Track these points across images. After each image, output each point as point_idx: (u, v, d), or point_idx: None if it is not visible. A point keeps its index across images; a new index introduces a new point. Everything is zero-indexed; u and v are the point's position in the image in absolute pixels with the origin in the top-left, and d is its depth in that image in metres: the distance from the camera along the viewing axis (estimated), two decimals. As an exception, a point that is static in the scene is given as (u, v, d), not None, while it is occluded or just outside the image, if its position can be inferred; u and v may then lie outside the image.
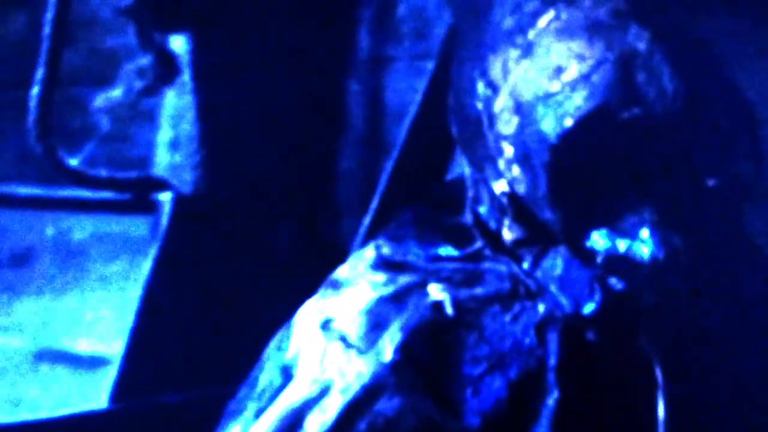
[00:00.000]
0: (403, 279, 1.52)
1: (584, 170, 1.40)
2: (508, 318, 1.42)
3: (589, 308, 1.36)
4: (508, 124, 1.42)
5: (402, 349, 1.40)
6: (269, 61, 2.53)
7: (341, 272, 1.55)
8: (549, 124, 1.40)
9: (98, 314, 2.59)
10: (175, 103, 2.58)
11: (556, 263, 1.41)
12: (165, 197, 2.47)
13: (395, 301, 1.50)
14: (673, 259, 1.32)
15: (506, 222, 1.48)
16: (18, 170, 2.95)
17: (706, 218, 1.38)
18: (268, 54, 2.53)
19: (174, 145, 2.54)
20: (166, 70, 2.62)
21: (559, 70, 1.41)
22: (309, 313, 1.49)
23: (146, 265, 2.39)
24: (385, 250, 1.59)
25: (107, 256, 2.65)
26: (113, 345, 2.40)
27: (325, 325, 1.48)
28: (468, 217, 1.55)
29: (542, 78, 1.43)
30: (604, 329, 1.36)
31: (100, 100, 2.79)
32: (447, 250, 1.56)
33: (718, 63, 1.42)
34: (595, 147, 1.39)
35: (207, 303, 2.35)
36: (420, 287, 1.50)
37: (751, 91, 1.42)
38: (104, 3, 2.87)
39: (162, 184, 2.50)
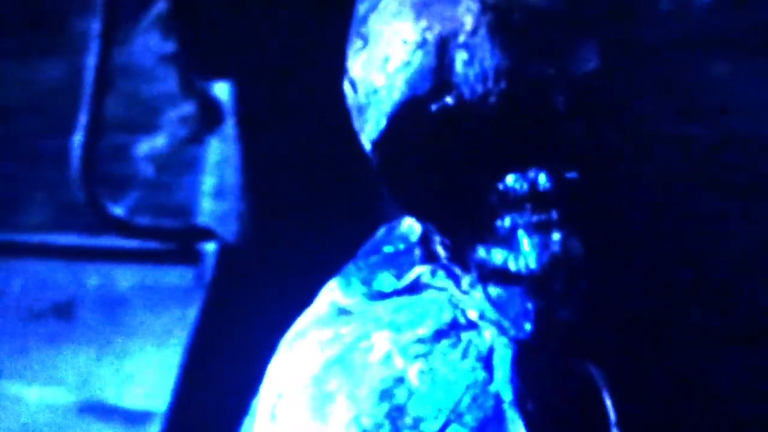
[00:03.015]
0: (348, 332, 1.42)
1: (413, 176, 1.24)
2: (456, 355, 1.32)
3: (527, 329, 1.21)
4: (359, 128, 1.30)
5: (354, 423, 1.30)
6: (313, 107, 2.51)
7: (299, 324, 1.46)
8: (371, 126, 1.25)
9: (142, 367, 2.56)
10: (219, 151, 2.55)
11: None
12: (209, 247, 2.44)
13: (341, 363, 1.39)
14: (561, 268, 1.17)
15: (436, 238, 1.37)
16: (60, 219, 2.94)
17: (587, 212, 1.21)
18: (312, 100, 2.51)
19: (218, 193, 2.51)
20: (208, 117, 2.60)
21: (385, 60, 1.24)
22: (267, 381, 1.41)
23: (191, 317, 2.36)
24: (335, 294, 1.50)
25: (151, 307, 2.62)
26: (158, 399, 2.37)
27: (276, 404, 1.39)
28: (414, 236, 1.43)
29: (372, 71, 1.25)
30: (547, 351, 1.24)
31: (143, 148, 2.77)
32: (388, 281, 1.46)
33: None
34: (415, 146, 1.22)
35: (254, 355, 2.32)
36: (365, 339, 1.40)
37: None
38: (146, 50, 2.85)
39: (206, 234, 2.47)
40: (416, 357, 1.31)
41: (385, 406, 1.29)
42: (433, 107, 1.22)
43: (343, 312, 1.41)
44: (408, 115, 1.22)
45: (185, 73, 2.71)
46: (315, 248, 2.44)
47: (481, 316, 1.24)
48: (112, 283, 2.74)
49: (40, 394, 2.73)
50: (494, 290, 1.24)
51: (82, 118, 2.64)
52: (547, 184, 1.22)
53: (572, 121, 1.20)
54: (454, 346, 1.25)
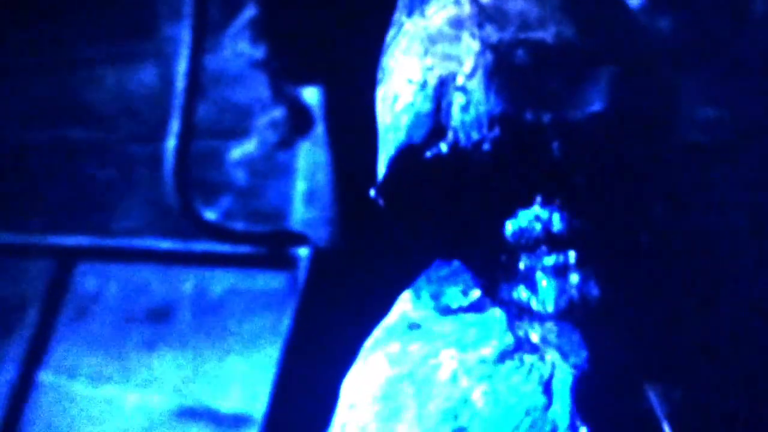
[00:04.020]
0: (416, 348, 1.40)
1: (417, 219, 1.23)
2: (519, 378, 1.28)
3: (582, 356, 1.20)
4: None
5: None
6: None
7: (374, 336, 1.45)
8: (379, 170, 1.22)
9: (237, 372, 2.56)
10: (310, 156, 2.56)
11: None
12: (302, 252, 2.45)
13: (409, 379, 1.37)
14: (578, 311, 1.13)
15: None
16: (154, 224, 2.96)
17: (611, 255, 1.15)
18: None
19: (309, 198, 2.52)
20: (299, 122, 2.60)
21: (395, 99, 1.21)
22: (343, 391, 1.41)
23: (285, 322, 2.37)
24: (406, 306, 1.48)
25: (246, 312, 2.63)
26: (254, 403, 2.38)
27: (347, 416, 1.37)
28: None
29: (386, 108, 1.23)
30: (606, 377, 1.20)
31: (234, 154, 2.78)
32: (455, 296, 1.43)
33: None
34: (414, 192, 1.20)
35: (346, 361, 2.32)
36: (433, 357, 1.38)
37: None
38: (236, 56, 2.86)
39: (299, 239, 2.48)
40: (481, 378, 1.29)
41: (450, 427, 1.28)
42: (428, 154, 1.18)
43: (413, 326, 1.41)
44: (405, 161, 1.19)
45: (275, 79, 2.72)
46: (406, 254, 2.44)
47: (543, 340, 1.23)
48: (207, 288, 2.76)
49: (138, 399, 2.75)
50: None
51: (174, 124, 2.66)
52: (561, 225, 1.17)
53: (573, 169, 1.14)
54: (517, 369, 1.26)
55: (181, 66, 2.71)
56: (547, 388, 1.23)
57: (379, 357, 1.45)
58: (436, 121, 1.17)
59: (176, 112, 2.68)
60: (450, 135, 1.17)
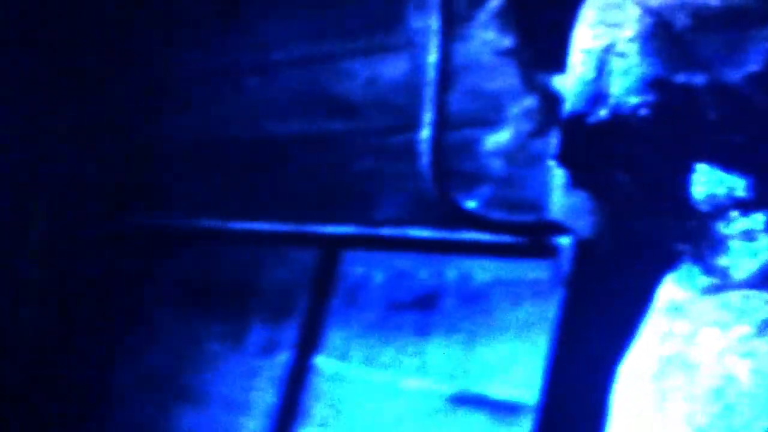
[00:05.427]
0: (681, 329, 1.41)
1: (600, 189, 1.34)
2: None
3: None
4: None
5: (689, 420, 1.31)
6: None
7: (642, 322, 1.47)
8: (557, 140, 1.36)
9: (507, 359, 2.62)
10: (565, 144, 2.59)
11: None
12: (564, 241, 2.48)
13: (677, 361, 1.39)
14: None
15: None
16: (414, 213, 3.04)
17: None
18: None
19: (568, 187, 2.55)
20: (551, 110, 2.63)
21: (571, 68, 1.37)
22: (619, 374, 1.42)
23: (551, 311, 2.42)
24: (670, 289, 1.50)
25: (510, 300, 2.69)
26: (527, 391, 2.45)
27: (621, 397, 1.40)
28: None
29: (568, 77, 1.36)
30: None
31: (489, 143, 2.83)
32: (704, 278, 1.44)
33: None
34: (586, 159, 1.31)
35: (614, 349, 2.36)
36: (696, 336, 1.39)
37: None
38: (484, 45, 2.91)
39: (559, 228, 2.51)
40: (744, 355, 1.32)
41: (718, 405, 1.32)
42: (591, 120, 1.21)
43: (677, 308, 1.45)
44: (572, 129, 1.22)
45: (525, 68, 2.76)
46: (667, 240, 2.45)
47: None
48: (470, 276, 2.83)
49: (413, 384, 2.86)
50: None
51: (428, 114, 2.73)
52: (745, 192, 1.18)
53: (730, 130, 1.15)
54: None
55: (431, 57, 2.77)
56: None
57: (649, 339, 1.51)
58: (597, 88, 1.22)
59: (429, 103, 2.74)
60: (610, 101, 1.21)
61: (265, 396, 3.25)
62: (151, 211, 3.86)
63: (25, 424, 3.89)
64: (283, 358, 3.27)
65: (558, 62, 2.63)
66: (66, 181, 4.03)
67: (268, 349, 3.33)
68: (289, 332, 3.28)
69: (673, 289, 1.54)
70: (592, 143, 1.29)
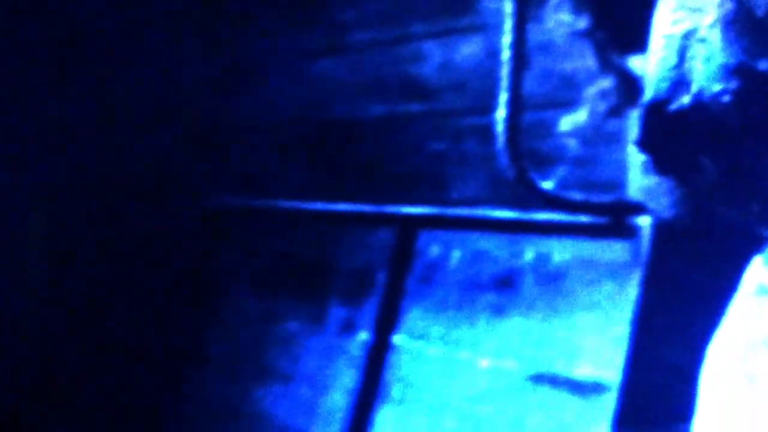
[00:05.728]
0: None
1: (682, 176, 1.34)
2: None
3: None
4: None
5: None
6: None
7: (730, 304, 1.47)
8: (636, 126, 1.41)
9: (586, 339, 2.64)
10: (643, 124, 2.59)
11: None
12: (643, 221, 2.49)
13: (765, 343, 1.40)
14: None
15: None
16: (490, 193, 3.07)
17: None
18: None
19: (647, 167, 2.55)
20: (628, 91, 2.64)
21: (651, 53, 1.36)
22: (708, 356, 1.44)
23: (630, 291, 2.43)
24: (758, 271, 1.50)
25: (588, 281, 2.70)
26: (608, 371, 2.46)
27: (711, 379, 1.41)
28: None
29: (648, 61, 1.39)
30: None
31: (565, 124, 2.84)
32: None
33: None
34: (668, 146, 1.33)
35: (694, 330, 2.37)
36: None
37: None
38: (559, 26, 2.91)
39: (638, 208, 2.51)
40: None
41: None
42: (672, 107, 1.20)
43: (765, 290, 1.45)
44: (653, 115, 1.21)
45: (601, 48, 2.76)
46: (752, 225, 2.45)
47: None
48: (548, 257, 2.85)
49: (491, 363, 2.89)
50: None
51: (503, 95, 2.74)
52: None
53: None
54: None
55: (506, 38, 2.78)
56: None
57: (737, 321, 1.51)
58: (679, 74, 1.20)
59: (504, 84, 2.75)
60: (693, 87, 1.20)
61: (344, 375, 3.30)
62: (230, 192, 3.93)
63: (124, 391, 3.99)
64: (362, 337, 3.32)
65: (634, 42, 2.63)
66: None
67: (347, 329, 3.38)
68: (368, 312, 3.32)
69: (761, 273, 1.55)
70: (674, 129, 1.29)
